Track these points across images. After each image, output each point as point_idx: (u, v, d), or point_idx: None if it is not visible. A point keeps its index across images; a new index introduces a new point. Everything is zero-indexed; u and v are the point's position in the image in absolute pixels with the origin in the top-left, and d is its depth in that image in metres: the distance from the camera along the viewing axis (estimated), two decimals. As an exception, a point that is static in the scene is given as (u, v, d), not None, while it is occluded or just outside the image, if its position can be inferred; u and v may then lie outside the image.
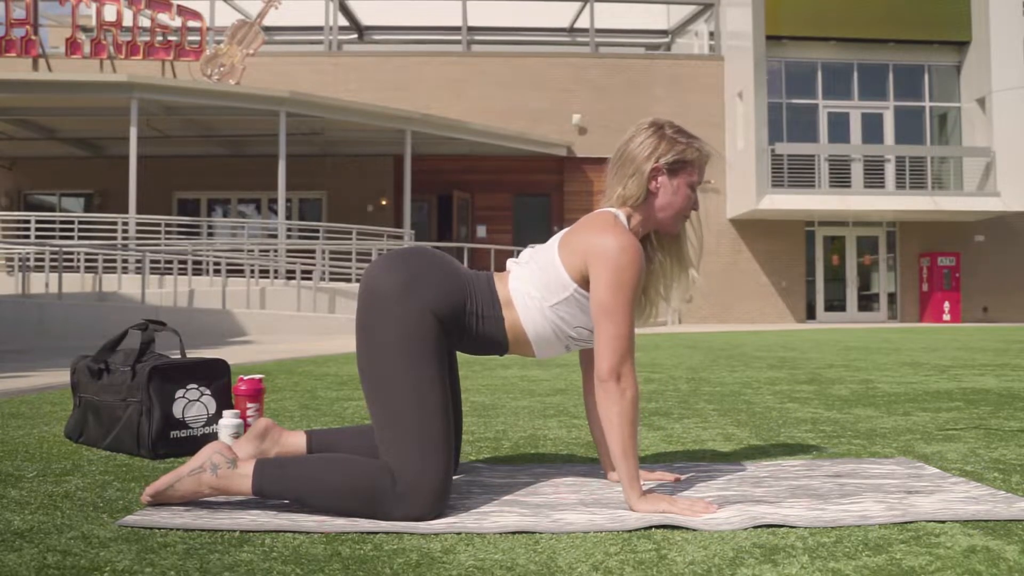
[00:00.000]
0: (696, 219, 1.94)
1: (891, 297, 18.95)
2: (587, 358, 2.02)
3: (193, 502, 1.73)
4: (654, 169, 1.82)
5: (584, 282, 1.77)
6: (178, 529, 1.57)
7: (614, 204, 1.86)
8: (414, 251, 1.81)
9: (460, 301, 1.77)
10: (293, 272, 13.16)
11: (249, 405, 2.42)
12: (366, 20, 21.10)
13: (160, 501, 1.71)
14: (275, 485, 1.67)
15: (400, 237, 14.98)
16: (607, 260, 1.71)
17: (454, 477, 2.00)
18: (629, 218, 1.84)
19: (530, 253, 1.89)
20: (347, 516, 1.63)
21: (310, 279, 12.89)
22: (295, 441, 1.97)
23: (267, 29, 15.89)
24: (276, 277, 13.27)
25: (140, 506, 1.74)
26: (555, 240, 1.86)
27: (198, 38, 14.88)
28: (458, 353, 1.90)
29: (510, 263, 1.90)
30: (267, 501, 1.76)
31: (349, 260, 13.88)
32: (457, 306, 1.77)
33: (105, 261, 12.53)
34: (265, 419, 2.00)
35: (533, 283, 1.81)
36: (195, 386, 2.39)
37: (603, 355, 1.70)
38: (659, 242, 1.93)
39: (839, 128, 18.48)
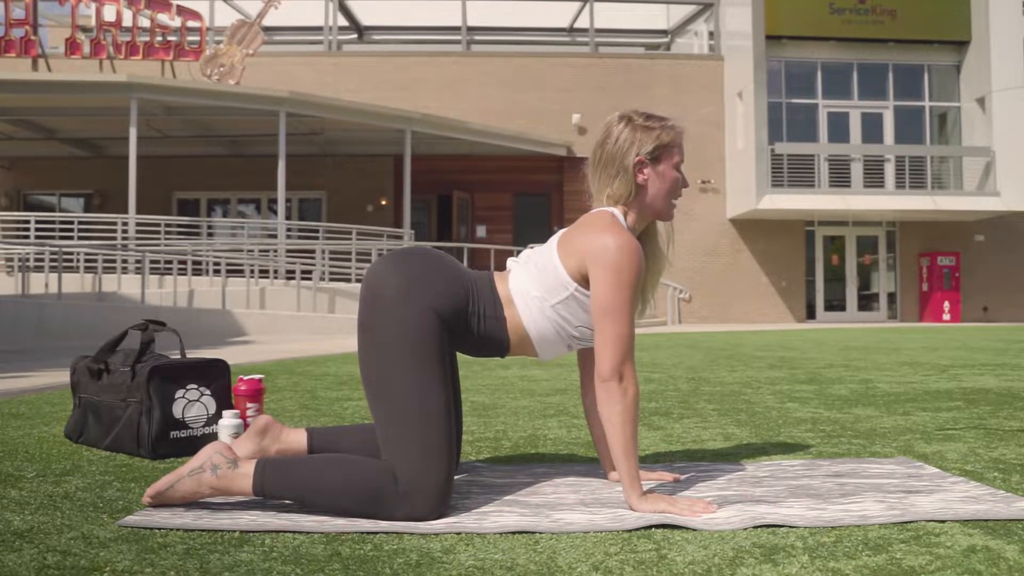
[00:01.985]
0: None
1: (891, 297, 18.96)
2: (585, 358, 2.02)
3: (193, 502, 1.73)
4: (638, 163, 1.82)
5: (584, 281, 1.77)
6: (178, 529, 1.57)
7: (606, 204, 1.85)
8: (415, 251, 1.81)
9: (462, 301, 1.77)
10: (293, 272, 13.16)
11: (249, 405, 2.42)
12: (366, 20, 21.10)
13: (160, 502, 1.71)
14: (276, 485, 1.66)
15: (400, 237, 14.99)
16: (606, 260, 1.71)
17: (454, 477, 2.00)
18: (625, 215, 1.84)
19: (529, 253, 1.89)
20: (349, 516, 1.63)
21: (310, 279, 12.90)
22: (296, 439, 1.96)
23: (267, 29, 15.89)
24: (276, 277, 13.27)
25: (140, 506, 1.74)
26: (554, 240, 1.86)
27: (198, 38, 14.89)
28: (458, 354, 1.90)
29: (510, 263, 1.91)
30: (268, 501, 1.76)
31: (349, 260, 13.88)
32: (459, 306, 1.77)
33: (105, 261, 12.53)
34: (265, 416, 2.00)
35: (533, 283, 1.81)
36: (195, 386, 2.39)
37: (604, 355, 1.70)
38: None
39: (839, 128, 18.49)
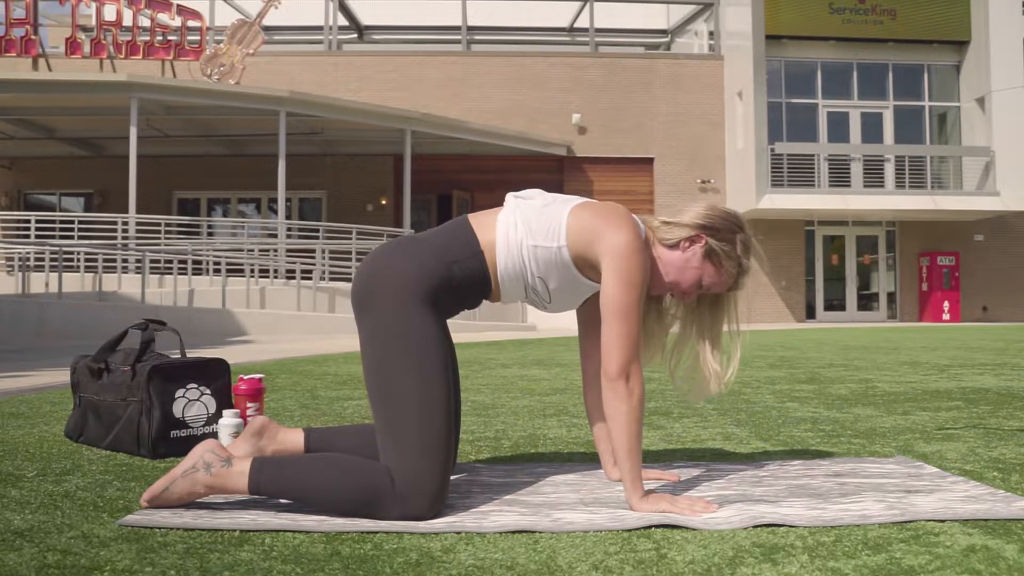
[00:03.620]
0: (735, 318, 1.92)
1: (891, 296, 18.96)
2: (588, 355, 2.02)
3: (191, 502, 1.73)
4: (700, 236, 1.83)
5: (576, 254, 1.76)
6: (178, 529, 1.57)
7: (648, 221, 1.86)
8: (382, 251, 1.80)
9: (436, 264, 1.75)
10: (293, 272, 13.16)
11: (249, 405, 2.42)
12: (366, 20, 21.10)
13: (158, 505, 1.70)
14: (272, 484, 1.66)
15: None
16: (621, 257, 1.71)
17: (452, 477, 2.00)
18: (647, 241, 1.84)
19: (537, 192, 1.88)
20: (345, 516, 1.63)
21: (310, 279, 12.90)
22: (293, 439, 1.96)
23: (267, 29, 15.89)
24: (276, 277, 13.27)
25: (140, 506, 1.74)
26: (571, 200, 1.83)
27: (198, 38, 14.89)
28: (458, 352, 1.89)
29: (510, 196, 1.88)
30: (266, 500, 1.76)
31: (349, 260, 13.88)
32: (439, 271, 1.74)
33: (105, 261, 12.53)
34: (262, 417, 1.99)
35: (523, 219, 1.80)
36: (195, 386, 2.39)
37: (612, 354, 1.70)
38: (698, 298, 1.92)
39: (839, 128, 18.50)
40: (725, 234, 1.84)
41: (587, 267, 1.78)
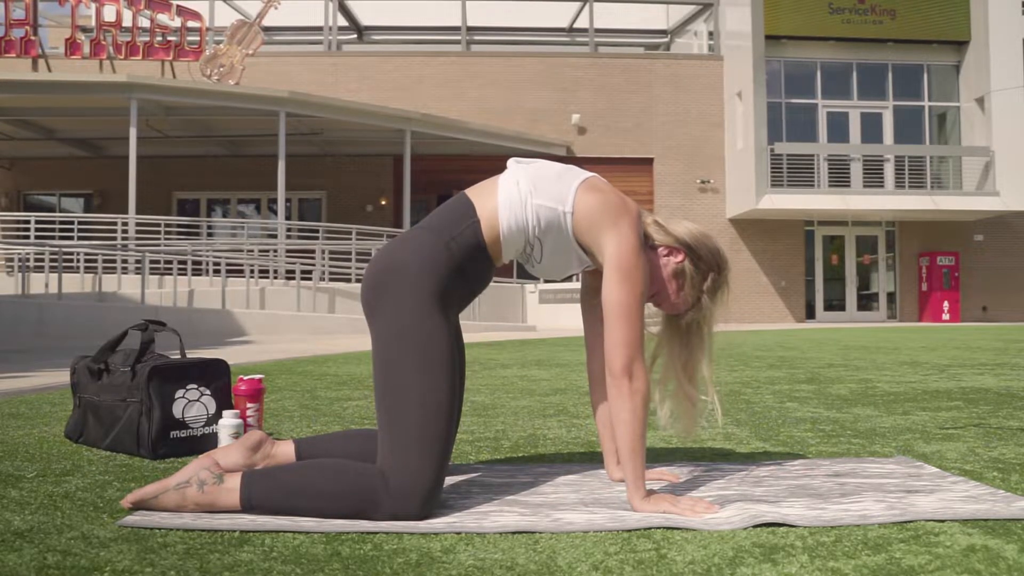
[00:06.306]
0: (709, 349, 1.89)
1: (890, 297, 18.97)
2: (593, 354, 2.01)
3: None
4: (680, 252, 1.83)
5: (577, 229, 1.76)
6: (178, 529, 1.56)
7: (643, 216, 1.85)
8: (385, 249, 1.80)
9: (435, 250, 1.73)
10: (293, 272, 13.17)
11: (249, 405, 2.42)
12: (366, 20, 21.11)
13: (142, 509, 1.68)
14: (264, 496, 1.64)
15: (400, 237, 14.99)
16: (623, 258, 1.71)
17: (453, 478, 2.00)
18: (645, 235, 1.85)
19: (539, 160, 1.87)
20: (339, 518, 1.62)
21: (310, 279, 12.90)
22: (284, 451, 1.94)
23: (267, 29, 15.90)
24: (276, 277, 13.28)
25: (122, 506, 1.73)
26: (581, 173, 1.83)
27: (197, 38, 14.90)
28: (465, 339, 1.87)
29: (512, 160, 1.87)
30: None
31: (349, 260, 13.88)
32: (440, 258, 1.73)
33: (105, 261, 12.54)
34: (259, 432, 1.97)
35: (528, 177, 1.79)
36: (195, 386, 2.38)
37: (616, 352, 1.70)
38: (672, 319, 1.90)
39: (838, 128, 18.50)
40: (703, 264, 1.84)
41: (583, 245, 1.79)
